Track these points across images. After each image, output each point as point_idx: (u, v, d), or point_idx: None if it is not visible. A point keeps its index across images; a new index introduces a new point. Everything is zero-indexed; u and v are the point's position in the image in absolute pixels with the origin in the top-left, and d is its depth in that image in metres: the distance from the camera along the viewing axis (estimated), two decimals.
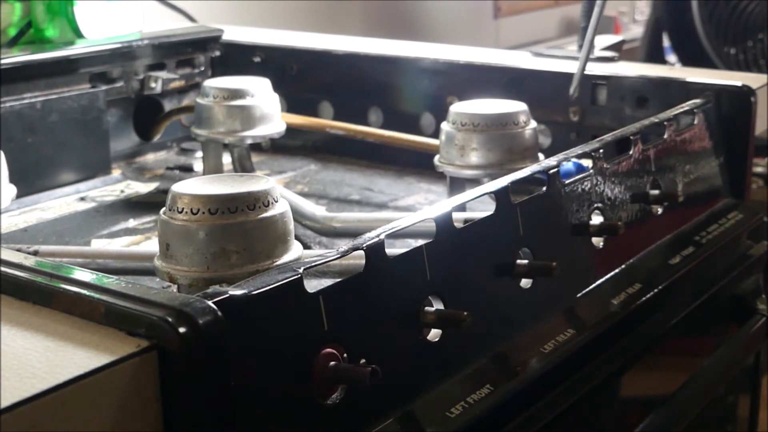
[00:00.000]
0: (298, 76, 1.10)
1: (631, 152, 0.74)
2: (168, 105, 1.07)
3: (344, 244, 0.50)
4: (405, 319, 0.52)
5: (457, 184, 0.80)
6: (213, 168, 0.93)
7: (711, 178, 0.87)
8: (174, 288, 0.55)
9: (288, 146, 1.09)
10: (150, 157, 1.07)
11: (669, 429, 0.75)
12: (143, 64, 1.03)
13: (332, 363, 0.47)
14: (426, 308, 0.53)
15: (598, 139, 0.73)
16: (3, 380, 0.38)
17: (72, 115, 0.95)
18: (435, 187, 0.96)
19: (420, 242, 0.54)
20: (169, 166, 1.04)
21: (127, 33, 1.05)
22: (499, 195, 0.60)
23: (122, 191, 0.96)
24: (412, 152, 0.95)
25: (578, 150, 0.69)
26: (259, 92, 0.90)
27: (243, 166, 0.93)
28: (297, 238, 0.61)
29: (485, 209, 0.61)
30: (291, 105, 1.08)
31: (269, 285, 0.45)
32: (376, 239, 0.51)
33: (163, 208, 0.56)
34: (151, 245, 0.80)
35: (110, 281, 0.45)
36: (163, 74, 1.04)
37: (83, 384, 0.39)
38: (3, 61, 0.88)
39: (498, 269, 0.60)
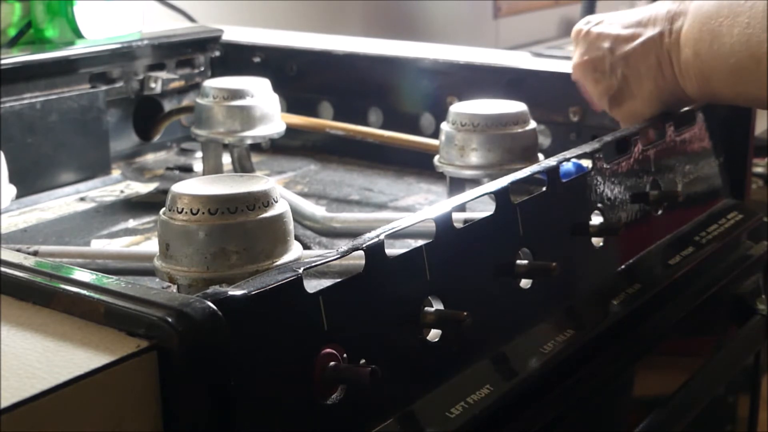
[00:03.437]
0: (298, 76, 1.10)
1: (630, 152, 0.74)
2: (168, 105, 1.07)
3: (344, 245, 0.50)
4: (405, 319, 0.52)
5: (456, 184, 0.80)
6: (213, 168, 0.93)
7: (711, 178, 0.87)
8: (174, 288, 0.55)
9: (288, 146, 1.09)
10: (150, 158, 1.07)
11: (669, 429, 0.75)
12: (143, 64, 1.03)
13: (332, 363, 0.47)
14: (426, 308, 0.53)
15: (598, 139, 0.73)
16: (3, 380, 0.38)
17: (72, 116, 0.95)
18: (435, 187, 0.96)
19: (420, 242, 0.54)
20: (169, 166, 1.04)
21: (127, 33, 1.05)
22: (498, 195, 0.60)
23: (122, 191, 0.96)
24: (412, 152, 0.95)
25: (578, 150, 0.69)
26: (259, 92, 0.90)
27: (243, 167, 0.93)
28: (297, 238, 0.61)
29: (485, 209, 0.61)
30: (291, 105, 1.08)
31: (269, 285, 0.45)
32: (376, 239, 0.51)
33: (163, 209, 0.56)
34: (150, 245, 0.80)
35: (110, 281, 0.45)
36: (163, 74, 1.04)
37: (83, 384, 0.39)
38: (3, 61, 0.88)
39: (498, 269, 0.60)
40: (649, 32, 0.77)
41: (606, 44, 0.79)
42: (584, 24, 0.82)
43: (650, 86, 0.78)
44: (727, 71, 0.72)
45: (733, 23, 0.70)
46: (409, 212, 0.83)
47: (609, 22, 0.80)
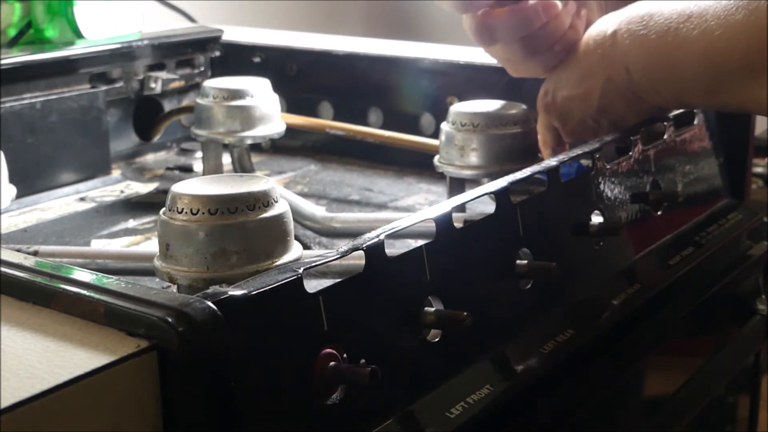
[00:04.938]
0: (298, 76, 1.10)
1: (631, 152, 0.74)
2: (168, 105, 1.07)
3: (344, 245, 0.50)
4: (405, 319, 0.52)
5: (457, 185, 0.80)
6: (213, 168, 0.93)
7: (711, 178, 0.87)
8: (174, 288, 0.55)
9: (288, 146, 1.09)
10: (150, 158, 1.07)
11: (669, 429, 0.75)
12: (143, 64, 1.03)
13: (332, 363, 0.47)
14: (426, 308, 0.53)
15: (597, 139, 0.73)
16: (3, 380, 0.38)
17: (72, 116, 0.95)
18: (435, 188, 0.96)
19: (420, 242, 0.54)
20: (169, 166, 1.04)
21: (127, 33, 1.06)
22: (499, 195, 0.60)
23: (122, 191, 0.96)
24: (412, 152, 0.95)
25: (578, 150, 0.69)
26: (259, 92, 0.90)
27: (243, 167, 0.93)
28: (297, 238, 0.61)
29: (485, 209, 0.61)
30: (291, 105, 1.08)
31: (269, 285, 0.45)
32: (376, 239, 0.51)
33: (163, 209, 0.56)
34: (151, 245, 0.80)
35: (110, 281, 0.45)
36: (163, 74, 1.04)
37: (83, 384, 0.39)
38: (3, 61, 0.88)
39: (498, 269, 0.60)
40: (599, 83, 0.75)
41: (576, 107, 0.78)
42: (544, 96, 0.81)
43: (638, 116, 0.77)
44: (698, 88, 0.71)
45: (686, 52, 0.69)
46: (409, 212, 0.83)
47: (561, 85, 0.79)
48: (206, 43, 1.10)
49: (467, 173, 0.78)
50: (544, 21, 0.76)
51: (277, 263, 0.54)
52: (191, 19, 1.32)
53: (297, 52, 1.11)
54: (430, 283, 0.54)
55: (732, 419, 0.99)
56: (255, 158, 1.02)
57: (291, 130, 0.95)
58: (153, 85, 1.03)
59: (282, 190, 0.82)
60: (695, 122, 0.84)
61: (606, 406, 0.68)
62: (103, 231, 0.84)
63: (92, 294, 0.44)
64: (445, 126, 0.80)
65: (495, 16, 0.76)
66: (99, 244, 0.81)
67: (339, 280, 0.49)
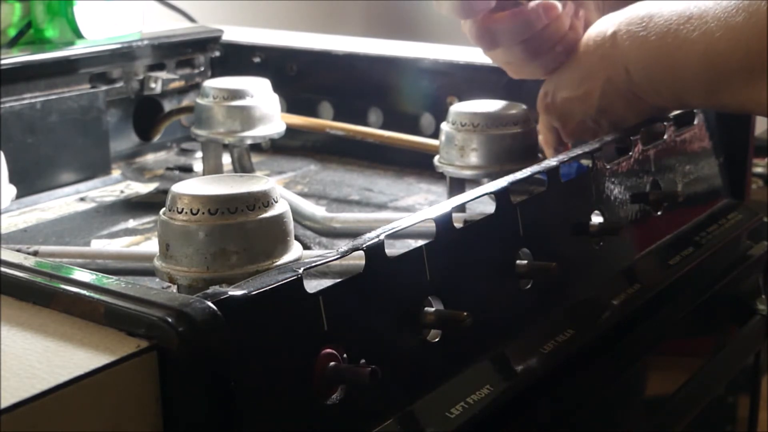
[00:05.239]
0: (298, 76, 1.10)
1: (631, 152, 0.74)
2: (168, 105, 1.07)
3: (344, 245, 0.50)
4: (405, 319, 0.52)
5: (456, 185, 0.80)
6: (213, 168, 0.93)
7: (711, 178, 0.87)
8: (174, 288, 0.55)
9: (288, 146, 1.09)
10: (150, 158, 1.07)
11: (669, 429, 0.75)
12: (143, 64, 1.03)
13: (332, 363, 0.47)
14: (426, 308, 0.53)
15: (597, 139, 0.73)
16: (3, 380, 0.38)
17: (72, 116, 0.95)
18: (435, 188, 0.96)
19: (420, 242, 0.54)
20: (169, 166, 1.04)
21: (127, 33, 1.06)
22: (499, 195, 0.60)
23: (122, 191, 0.96)
24: (412, 152, 0.95)
25: (578, 150, 0.69)
26: (259, 92, 0.90)
27: (243, 167, 0.93)
28: (297, 238, 0.61)
29: (485, 209, 0.61)
30: (291, 105, 1.08)
31: (269, 285, 0.45)
32: (376, 239, 0.51)
33: (163, 209, 0.56)
34: (150, 245, 0.80)
35: (110, 281, 0.45)
36: (163, 74, 1.04)
37: (83, 384, 0.39)
38: (3, 61, 0.88)
39: (498, 269, 0.60)
40: (599, 84, 0.75)
41: (576, 108, 0.78)
42: (545, 97, 0.80)
43: (638, 116, 0.77)
44: (698, 89, 0.71)
45: (688, 51, 0.69)
46: (409, 212, 0.83)
47: (561, 86, 0.79)
48: (206, 43, 1.10)
49: (467, 173, 0.78)
50: (545, 23, 0.76)
51: (277, 263, 0.54)
52: (191, 19, 1.32)
53: (297, 52, 1.11)
54: (430, 283, 0.54)
55: (732, 419, 0.99)
56: (255, 158, 1.02)
57: (291, 130, 0.95)
58: (153, 85, 1.03)
59: (282, 190, 0.82)
60: (695, 122, 0.84)
61: (606, 406, 0.68)
62: (103, 231, 0.84)
63: (92, 294, 0.44)
64: (445, 126, 0.80)
65: (496, 20, 0.77)
66: (99, 244, 0.81)
67: (339, 280, 0.49)
